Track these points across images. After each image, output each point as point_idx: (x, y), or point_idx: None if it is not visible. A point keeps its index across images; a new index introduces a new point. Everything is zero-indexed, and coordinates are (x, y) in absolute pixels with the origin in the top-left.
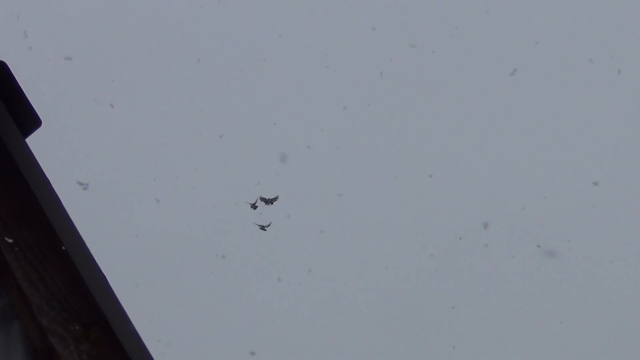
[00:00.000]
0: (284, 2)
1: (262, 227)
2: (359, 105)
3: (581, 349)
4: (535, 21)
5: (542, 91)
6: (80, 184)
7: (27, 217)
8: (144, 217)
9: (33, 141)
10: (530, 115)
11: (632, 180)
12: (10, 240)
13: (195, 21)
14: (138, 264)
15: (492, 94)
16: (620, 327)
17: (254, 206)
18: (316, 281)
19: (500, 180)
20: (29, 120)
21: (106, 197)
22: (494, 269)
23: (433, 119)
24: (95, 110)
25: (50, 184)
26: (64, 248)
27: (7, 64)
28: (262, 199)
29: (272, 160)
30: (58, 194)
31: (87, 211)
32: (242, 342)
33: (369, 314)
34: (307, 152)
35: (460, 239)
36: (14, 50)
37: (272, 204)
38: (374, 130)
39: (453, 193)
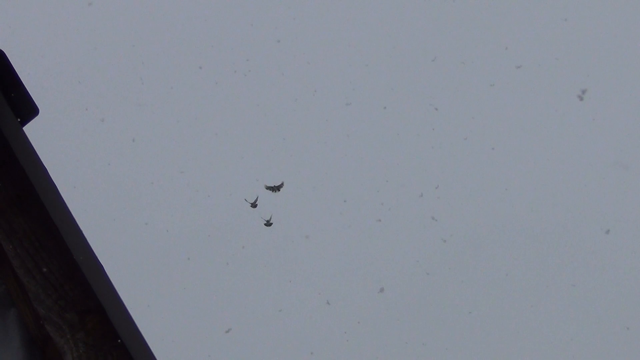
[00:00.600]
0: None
1: (267, 223)
2: (366, 105)
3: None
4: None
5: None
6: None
7: (23, 204)
8: (145, 210)
9: (30, 129)
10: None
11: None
12: None
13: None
14: (137, 257)
15: (498, 91)
16: (626, 328)
17: (253, 205)
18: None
19: (505, 183)
20: (27, 109)
21: (103, 187)
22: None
23: (440, 127)
24: (93, 103)
25: (47, 172)
26: (60, 236)
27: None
28: (268, 188)
29: (276, 162)
30: (55, 182)
31: (86, 202)
32: (242, 334)
33: (376, 311)
34: (312, 158)
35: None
36: (15, 40)
37: (278, 190)
38: (378, 131)
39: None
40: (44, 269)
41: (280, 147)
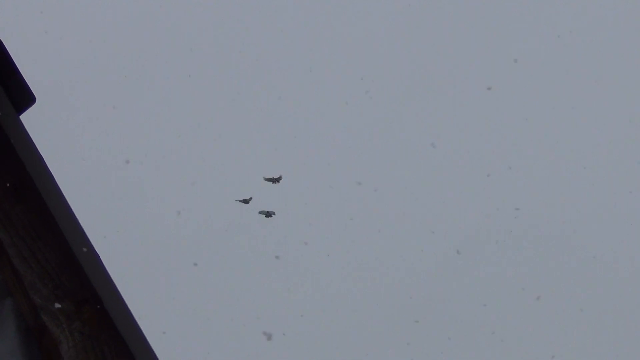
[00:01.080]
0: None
1: (268, 214)
2: (361, 98)
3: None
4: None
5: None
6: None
7: (20, 194)
8: (142, 200)
9: (27, 118)
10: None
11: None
12: None
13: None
14: (134, 248)
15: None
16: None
17: (245, 201)
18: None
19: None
20: (23, 97)
21: (100, 177)
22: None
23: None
24: (91, 91)
25: (44, 161)
26: (58, 227)
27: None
28: (268, 179)
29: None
30: (52, 171)
31: (83, 192)
32: (239, 328)
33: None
34: (321, 152)
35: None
36: (12, 28)
37: (278, 182)
38: (382, 125)
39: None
40: (41, 259)
41: (281, 143)
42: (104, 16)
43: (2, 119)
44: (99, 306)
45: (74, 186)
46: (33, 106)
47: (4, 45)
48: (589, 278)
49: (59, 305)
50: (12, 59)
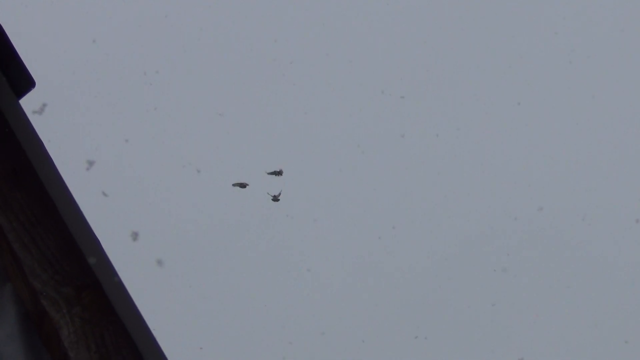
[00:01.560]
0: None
1: (275, 198)
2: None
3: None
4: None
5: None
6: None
7: (19, 178)
8: (142, 187)
9: (26, 103)
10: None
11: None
12: None
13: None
14: (134, 233)
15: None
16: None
17: (242, 185)
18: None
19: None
20: (23, 81)
21: (100, 162)
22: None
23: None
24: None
25: (44, 146)
26: (57, 210)
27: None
28: (271, 173)
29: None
30: (51, 156)
31: (83, 177)
32: (237, 320)
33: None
34: (320, 151)
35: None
36: (12, 13)
37: (281, 174)
38: (384, 121)
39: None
40: (40, 244)
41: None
42: (105, 14)
43: (2, 103)
44: (98, 291)
45: (74, 171)
46: (33, 91)
47: (3, 30)
48: (591, 278)
49: (59, 291)
50: (11, 43)
